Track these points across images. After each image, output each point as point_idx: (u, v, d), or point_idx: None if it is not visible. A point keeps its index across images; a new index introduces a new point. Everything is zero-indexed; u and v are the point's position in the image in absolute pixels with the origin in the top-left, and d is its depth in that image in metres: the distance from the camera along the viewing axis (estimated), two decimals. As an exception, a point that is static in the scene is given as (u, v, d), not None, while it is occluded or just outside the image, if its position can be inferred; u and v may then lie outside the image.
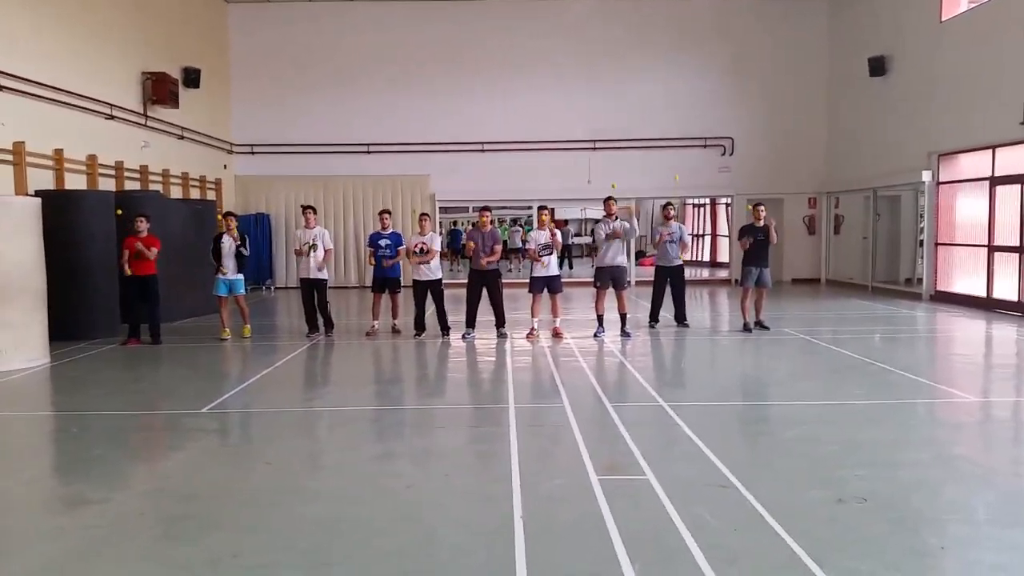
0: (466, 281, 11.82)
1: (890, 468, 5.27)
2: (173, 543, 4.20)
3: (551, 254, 11.10)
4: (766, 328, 11.42)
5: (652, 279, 12.46)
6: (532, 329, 11.13)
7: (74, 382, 8.67)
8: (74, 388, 8.40)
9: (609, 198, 11.45)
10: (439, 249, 11.64)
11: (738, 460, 5.37)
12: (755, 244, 11.39)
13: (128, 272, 10.75)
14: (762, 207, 11.57)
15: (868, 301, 15.78)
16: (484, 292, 11.19)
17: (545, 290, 11.14)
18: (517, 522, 4.32)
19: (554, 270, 11.16)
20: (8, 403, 7.79)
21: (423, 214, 11.78)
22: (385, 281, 11.65)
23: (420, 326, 11.39)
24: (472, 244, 11.13)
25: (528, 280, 11.47)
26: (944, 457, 5.60)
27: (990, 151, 14.16)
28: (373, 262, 11.70)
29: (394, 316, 11.83)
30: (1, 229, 9.11)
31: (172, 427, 6.77)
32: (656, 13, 20.34)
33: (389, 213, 11.92)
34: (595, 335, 11.02)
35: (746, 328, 11.35)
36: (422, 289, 11.34)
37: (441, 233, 20.99)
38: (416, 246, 11.24)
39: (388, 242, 11.52)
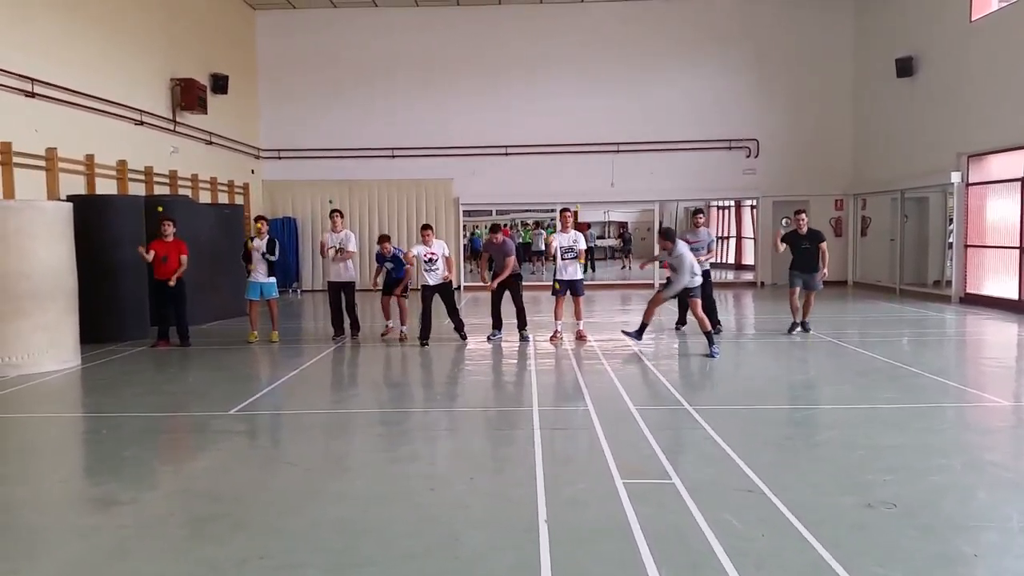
0: (484, 284, 11.83)
1: (920, 473, 5.20)
2: (201, 543, 4.26)
3: (574, 258, 11.06)
4: (807, 330, 11.38)
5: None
6: (556, 331, 11.12)
7: (105, 384, 8.80)
8: (105, 390, 8.53)
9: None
10: (448, 254, 11.47)
11: (764, 464, 5.33)
12: (800, 252, 11.31)
13: (148, 257, 10.87)
14: (803, 214, 11.52)
15: (896, 304, 15.56)
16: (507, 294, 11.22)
17: (568, 293, 11.10)
18: (541, 525, 4.32)
19: (577, 274, 11.12)
20: (41, 404, 7.94)
21: (425, 225, 11.46)
22: (392, 285, 11.68)
23: (426, 335, 11.00)
24: (487, 255, 11.16)
25: (551, 283, 11.44)
26: (975, 463, 5.51)
27: (1021, 152, 13.92)
28: (378, 280, 11.75)
29: (402, 322, 11.67)
30: (34, 233, 9.28)
31: (200, 429, 6.85)
32: (679, 14, 20.25)
33: (388, 239, 11.83)
34: (630, 333, 10.65)
35: (792, 329, 11.42)
36: (430, 293, 11.10)
37: (465, 237, 21.02)
38: (424, 256, 11.13)
39: (391, 265, 11.60)
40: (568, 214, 11.31)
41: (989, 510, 4.61)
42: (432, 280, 11.12)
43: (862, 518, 4.42)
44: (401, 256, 11.67)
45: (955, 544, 4.11)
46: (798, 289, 11.40)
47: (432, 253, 11.08)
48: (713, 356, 9.60)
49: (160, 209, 11.91)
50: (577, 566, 3.84)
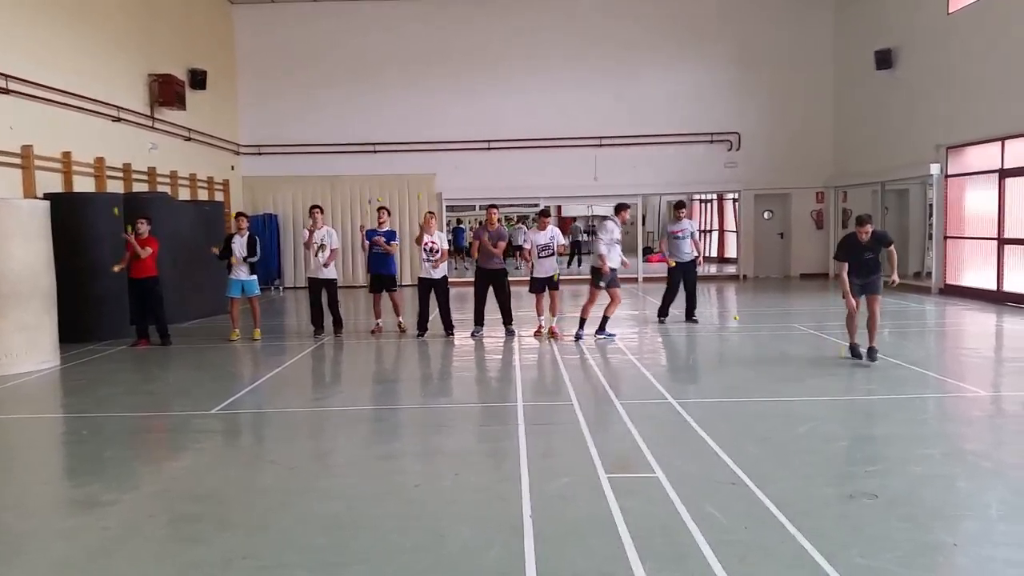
0: (472, 279, 11.85)
1: (901, 464, 5.25)
2: (184, 544, 4.22)
3: (551, 255, 10.92)
4: (874, 358, 8.49)
5: (665, 276, 12.40)
6: (540, 327, 11.09)
7: (84, 384, 8.70)
8: (84, 390, 8.43)
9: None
10: (447, 248, 11.64)
11: (748, 456, 5.36)
12: (863, 262, 8.65)
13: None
14: (868, 225, 8.69)
15: (877, 295, 15.67)
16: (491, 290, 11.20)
17: (546, 289, 10.99)
18: (526, 521, 4.32)
19: (552, 270, 10.92)
20: (20, 405, 7.84)
21: (429, 212, 11.72)
22: (380, 280, 11.61)
23: (423, 327, 11.30)
24: (478, 243, 11.13)
25: (528, 280, 11.30)
26: (955, 452, 5.57)
27: (999, 143, 14.06)
28: (364, 245, 11.62)
29: (397, 314, 11.76)
30: (11, 232, 9.15)
31: (182, 428, 6.78)
32: (662, 9, 20.26)
33: (388, 212, 11.90)
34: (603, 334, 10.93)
35: (854, 353, 8.73)
36: (427, 288, 11.28)
37: (447, 231, 21.01)
38: (425, 245, 11.19)
39: (383, 239, 11.50)
40: (546, 219, 11.10)
41: (969, 499, 4.67)
42: (428, 272, 11.15)
43: (845, 509, 4.46)
44: (396, 236, 11.75)
45: (936, 533, 4.16)
46: (859, 299, 8.78)
47: (432, 242, 11.11)
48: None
49: (116, 211, 11.55)
50: (562, 560, 3.85)
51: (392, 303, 11.70)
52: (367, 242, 11.55)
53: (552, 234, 10.97)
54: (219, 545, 4.15)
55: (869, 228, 8.64)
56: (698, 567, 3.74)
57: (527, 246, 11.14)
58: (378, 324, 11.74)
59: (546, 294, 11.09)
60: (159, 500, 4.95)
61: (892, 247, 8.84)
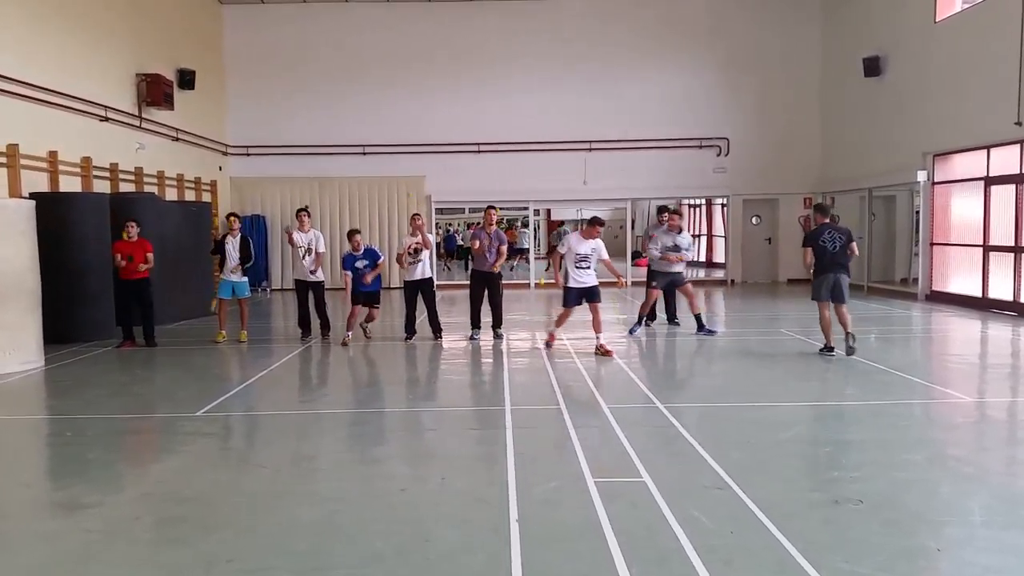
0: (465, 282, 11.79)
1: (885, 469, 5.28)
2: (168, 547, 4.20)
3: (589, 268, 9.96)
4: (832, 350, 9.39)
5: (644, 279, 12.42)
6: (551, 336, 10.38)
7: (68, 385, 8.63)
8: (68, 391, 8.37)
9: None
10: (431, 239, 11.45)
11: (733, 461, 5.37)
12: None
13: (122, 265, 10.65)
14: (815, 213, 9.74)
15: (863, 301, 15.77)
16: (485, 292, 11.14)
17: (584, 301, 10.01)
18: (513, 525, 4.32)
19: (592, 280, 9.97)
20: (3, 406, 7.78)
21: (415, 214, 11.60)
22: (367, 295, 11.18)
23: (411, 330, 11.22)
24: (478, 243, 10.97)
25: (563, 290, 10.09)
26: (939, 458, 5.61)
27: (985, 151, 14.18)
28: (347, 285, 10.96)
29: (367, 320, 11.39)
30: (-5, 232, 9.08)
31: (167, 430, 6.74)
32: (651, 14, 20.34)
33: (359, 232, 11.30)
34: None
35: (827, 349, 9.46)
36: (413, 289, 11.19)
37: (437, 235, 20.93)
38: (409, 248, 11.11)
39: (366, 262, 10.96)
40: (598, 228, 10.05)
41: (952, 504, 4.69)
42: (415, 275, 11.06)
43: (829, 514, 4.48)
44: (377, 252, 11.25)
45: (919, 538, 4.18)
46: (828, 303, 9.50)
47: (417, 243, 11.05)
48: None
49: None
50: (548, 565, 3.85)
51: (369, 315, 11.32)
52: (347, 272, 10.95)
53: (595, 246, 9.93)
54: (202, 548, 4.13)
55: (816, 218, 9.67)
56: (683, 571, 3.75)
57: (562, 251, 10.13)
58: (348, 336, 11.05)
59: (574, 310, 10.13)
60: (143, 503, 4.92)
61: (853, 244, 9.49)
